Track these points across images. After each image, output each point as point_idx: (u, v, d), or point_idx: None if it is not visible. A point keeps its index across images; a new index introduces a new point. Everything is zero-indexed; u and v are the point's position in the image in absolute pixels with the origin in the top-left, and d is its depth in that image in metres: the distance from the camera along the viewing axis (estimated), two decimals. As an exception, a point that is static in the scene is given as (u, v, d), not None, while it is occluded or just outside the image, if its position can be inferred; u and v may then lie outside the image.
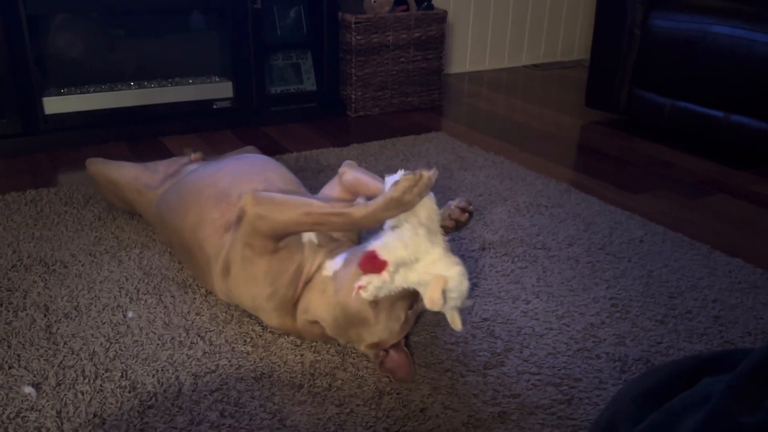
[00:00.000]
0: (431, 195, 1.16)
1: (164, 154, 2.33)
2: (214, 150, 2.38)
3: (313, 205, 1.17)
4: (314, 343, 1.29)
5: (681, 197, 2.04)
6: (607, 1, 2.66)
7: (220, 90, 2.61)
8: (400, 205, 1.11)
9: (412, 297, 1.16)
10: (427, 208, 1.14)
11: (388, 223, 1.19)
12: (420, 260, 1.08)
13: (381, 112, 2.88)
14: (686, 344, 1.31)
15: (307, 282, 1.25)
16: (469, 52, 3.69)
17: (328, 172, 2.15)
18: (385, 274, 1.07)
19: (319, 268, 1.25)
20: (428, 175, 1.10)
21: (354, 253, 1.21)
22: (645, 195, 2.06)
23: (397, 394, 1.16)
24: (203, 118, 2.59)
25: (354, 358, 1.25)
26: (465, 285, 1.08)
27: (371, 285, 1.08)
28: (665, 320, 1.39)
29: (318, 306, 1.22)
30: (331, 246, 1.28)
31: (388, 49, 2.80)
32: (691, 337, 1.33)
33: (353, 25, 2.69)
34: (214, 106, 2.62)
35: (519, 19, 3.77)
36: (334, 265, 1.23)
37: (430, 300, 1.06)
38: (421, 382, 1.19)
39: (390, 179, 1.14)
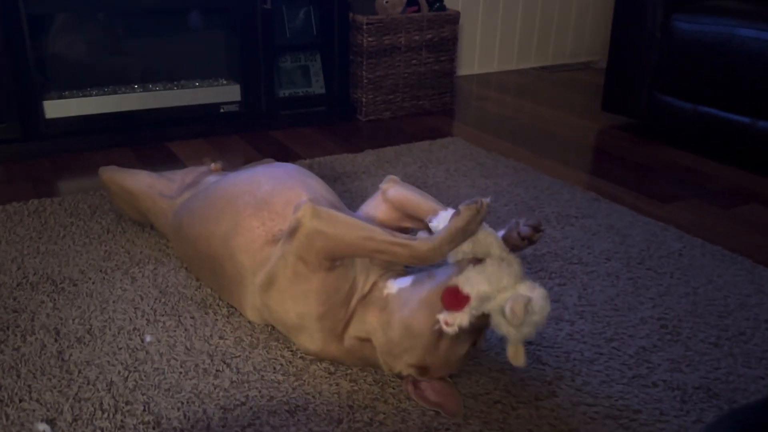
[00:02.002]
0: (485, 225, 1.09)
1: (171, 159, 2.23)
2: (223, 156, 2.28)
3: (376, 231, 1.09)
4: (349, 371, 1.20)
5: (712, 207, 1.97)
6: (627, 3, 2.58)
7: (227, 93, 2.51)
8: (465, 236, 1.07)
9: (477, 333, 1.08)
10: (493, 237, 1.07)
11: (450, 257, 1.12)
12: (503, 293, 1.02)
13: (392, 116, 2.79)
14: (745, 369, 1.23)
15: (361, 299, 1.16)
16: (478, 54, 3.60)
17: (345, 179, 2.06)
18: (467, 310, 1.01)
19: (375, 285, 1.17)
20: (487, 203, 1.07)
21: (429, 275, 1.12)
22: (675, 204, 1.98)
23: (446, 430, 1.07)
24: (210, 123, 2.49)
25: (394, 388, 1.16)
26: (547, 308, 1.03)
27: (457, 321, 1.01)
28: (719, 343, 1.31)
29: (374, 322, 1.14)
30: (383, 261, 1.20)
31: (399, 51, 2.71)
32: (750, 362, 1.25)
33: (365, 27, 2.60)
34: (222, 110, 2.52)
35: (528, 21, 3.69)
36: (398, 283, 1.15)
37: (512, 310, 0.98)
38: (470, 416, 1.10)
39: (443, 215, 1.12)
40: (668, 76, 2.48)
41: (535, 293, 1.02)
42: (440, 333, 1.06)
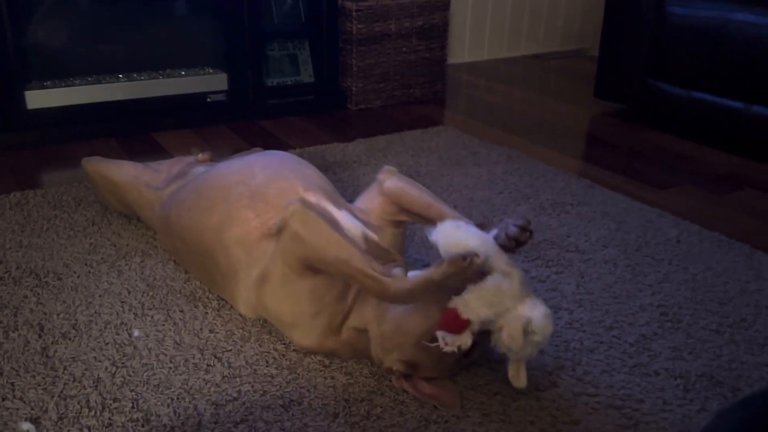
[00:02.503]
0: (490, 239, 1.04)
1: (157, 150, 2.18)
2: (210, 146, 2.23)
3: (354, 256, 1.04)
4: (345, 364, 1.17)
5: (708, 193, 1.94)
6: (619, -13, 2.55)
7: (214, 82, 2.45)
8: (441, 290, 1.01)
9: (472, 345, 1.04)
10: (497, 253, 1.02)
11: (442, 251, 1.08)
12: (505, 314, 0.98)
13: (383, 105, 2.75)
14: (749, 356, 1.21)
15: (359, 292, 1.13)
16: (468, 42, 3.56)
17: (336, 169, 2.02)
18: (467, 333, 0.97)
19: None
20: (479, 262, 0.98)
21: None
22: (670, 191, 1.96)
23: (445, 422, 1.04)
24: (197, 112, 2.43)
25: (390, 380, 1.13)
26: (550, 328, 0.98)
27: (457, 343, 0.98)
28: (720, 330, 1.28)
29: (372, 313, 1.11)
30: (379, 254, 1.16)
31: (390, 39, 2.66)
32: (752, 349, 1.23)
33: (354, 13, 2.56)
34: (208, 100, 2.46)
35: (518, 8, 3.65)
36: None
37: (510, 336, 0.95)
38: (469, 408, 1.07)
39: (442, 229, 1.03)
40: (662, 62, 2.46)
41: (535, 312, 0.97)
42: (431, 338, 1.02)
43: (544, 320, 0.97)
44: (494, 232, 1.06)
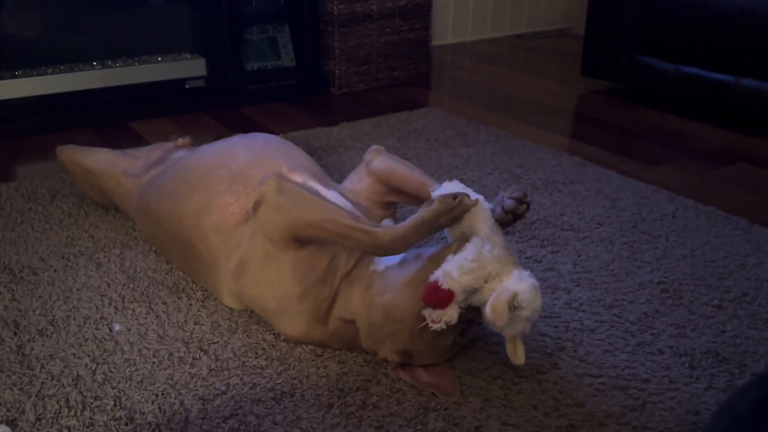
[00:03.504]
0: (481, 200, 1.00)
1: (135, 139, 2.11)
2: (190, 134, 2.16)
3: (341, 214, 1.01)
4: (337, 353, 1.12)
5: (700, 167, 1.91)
6: (604, -39, 2.50)
7: (192, 68, 2.38)
8: (432, 229, 0.98)
9: (465, 323, 0.99)
10: (484, 215, 0.98)
11: (447, 232, 1.03)
12: (489, 281, 0.92)
13: (366, 88, 2.69)
14: (753, 332, 1.17)
15: (345, 276, 1.07)
16: (451, 23, 3.50)
17: (321, 154, 1.96)
18: (453, 306, 0.92)
19: (359, 261, 1.08)
20: (469, 203, 0.97)
21: (416, 256, 1.03)
22: (664, 167, 1.92)
23: (444, 409, 1.00)
24: (175, 99, 2.36)
25: (385, 368, 1.08)
26: (538, 301, 0.92)
27: (444, 318, 0.92)
28: (722, 305, 1.25)
29: (358, 302, 1.05)
30: None
31: (372, 19, 2.60)
32: (756, 323, 1.20)
33: (335, -6, 2.48)
34: (187, 86, 2.39)
35: (500, -13, 3.60)
36: (386, 261, 1.06)
37: (493, 310, 0.88)
38: (469, 394, 1.03)
39: (443, 188, 1.03)
40: (649, 37, 2.42)
41: (522, 285, 0.91)
42: (423, 320, 0.97)
43: (532, 293, 0.91)
44: (490, 206, 1.02)
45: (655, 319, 1.21)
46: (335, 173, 1.80)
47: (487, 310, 0.89)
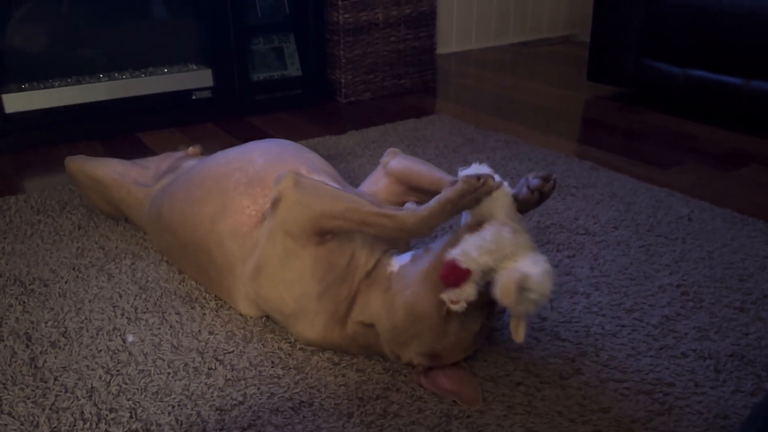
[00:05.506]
0: (505, 185, 0.99)
1: (143, 151, 2.10)
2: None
3: (362, 202, 1.00)
4: (355, 360, 1.10)
5: (713, 170, 1.89)
6: (609, -34, 2.50)
7: (198, 78, 2.38)
8: (456, 210, 0.98)
9: (488, 306, 0.98)
10: (504, 201, 0.97)
11: (466, 217, 1.02)
12: (506, 262, 0.91)
13: (373, 97, 2.68)
14: (777, 334, 1.15)
15: (365, 278, 1.06)
16: (455, 31, 3.50)
17: (331, 161, 1.95)
18: (470, 283, 0.90)
19: (379, 262, 1.06)
20: (493, 184, 0.97)
21: (426, 250, 1.02)
22: (676, 169, 1.90)
23: (467, 417, 0.98)
24: (182, 110, 2.35)
25: (406, 376, 1.06)
26: (548, 286, 0.90)
27: (463, 296, 0.90)
28: (744, 307, 1.23)
29: (378, 305, 1.03)
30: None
31: (377, 28, 2.59)
32: (780, 325, 1.18)
33: (340, 2, 2.48)
34: (194, 97, 2.38)
35: (504, -5, 3.60)
36: (400, 260, 1.05)
37: (502, 290, 0.89)
38: (492, 401, 1.00)
39: (470, 169, 1.02)
40: (656, 40, 2.41)
41: (535, 269, 0.90)
42: (448, 312, 0.96)
43: (542, 277, 0.89)
44: (513, 191, 1.01)
45: (677, 322, 1.19)
46: (346, 180, 1.79)
47: (497, 291, 0.89)
